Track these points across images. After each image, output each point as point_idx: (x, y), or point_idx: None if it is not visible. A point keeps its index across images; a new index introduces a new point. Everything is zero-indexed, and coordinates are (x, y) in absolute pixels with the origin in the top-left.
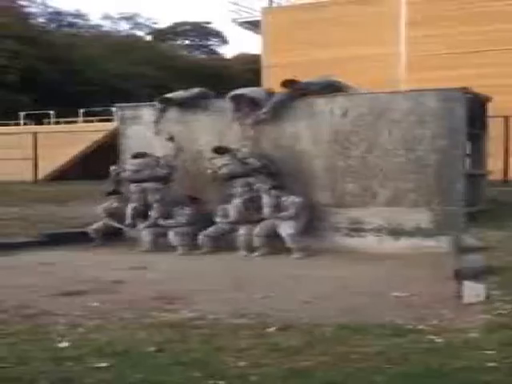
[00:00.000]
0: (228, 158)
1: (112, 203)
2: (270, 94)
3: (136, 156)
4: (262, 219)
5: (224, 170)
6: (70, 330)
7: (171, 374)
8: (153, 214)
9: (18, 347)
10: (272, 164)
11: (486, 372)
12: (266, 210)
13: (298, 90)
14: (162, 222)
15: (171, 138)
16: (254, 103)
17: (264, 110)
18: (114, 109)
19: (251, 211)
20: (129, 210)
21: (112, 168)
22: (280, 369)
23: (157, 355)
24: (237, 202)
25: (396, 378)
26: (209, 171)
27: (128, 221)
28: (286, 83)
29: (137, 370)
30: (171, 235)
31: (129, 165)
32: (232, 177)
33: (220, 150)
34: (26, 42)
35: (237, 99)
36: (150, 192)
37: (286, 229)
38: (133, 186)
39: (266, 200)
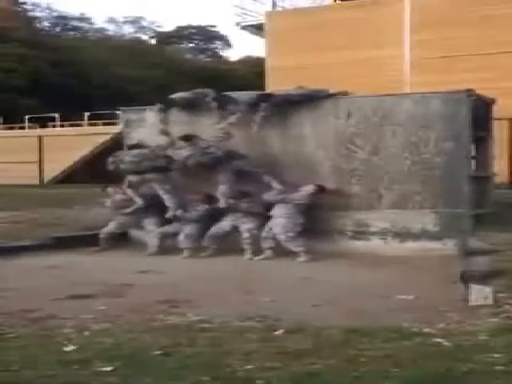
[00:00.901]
0: (189, 148)
1: (115, 196)
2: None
3: (132, 147)
4: (262, 212)
5: (191, 161)
6: (76, 333)
7: (178, 377)
8: (168, 204)
9: (24, 351)
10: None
11: (494, 375)
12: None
13: (275, 103)
14: (180, 213)
15: (186, 137)
16: (237, 104)
17: (256, 119)
18: (118, 112)
19: (244, 200)
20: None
21: (110, 159)
22: (287, 372)
23: (163, 359)
24: (222, 188)
25: (404, 381)
26: (176, 164)
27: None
28: (263, 97)
29: (143, 374)
30: (181, 237)
31: (128, 156)
32: (201, 166)
33: (187, 138)
34: (32, 45)
35: (222, 99)
36: (156, 183)
37: (280, 234)
38: (134, 178)
39: (274, 184)
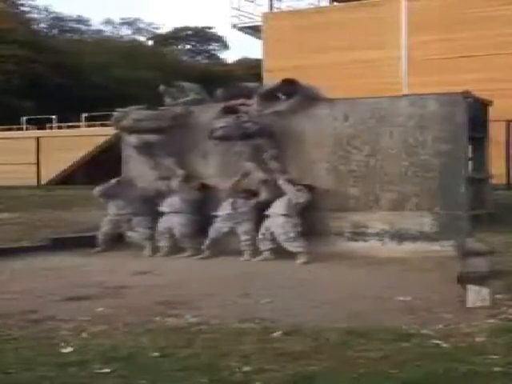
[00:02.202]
0: (227, 120)
1: (108, 183)
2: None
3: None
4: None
5: (219, 132)
6: (74, 335)
7: (176, 379)
8: (172, 167)
9: (22, 352)
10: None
11: (492, 377)
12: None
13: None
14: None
15: (227, 110)
16: (247, 92)
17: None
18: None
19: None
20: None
21: (115, 115)
22: (285, 374)
23: (161, 360)
24: (250, 165)
25: (402, 383)
26: (208, 131)
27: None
28: (286, 82)
29: (141, 376)
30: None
31: (132, 113)
32: (226, 138)
33: (228, 110)
34: (29, 47)
35: (229, 90)
36: (156, 145)
37: (280, 234)
38: (134, 139)
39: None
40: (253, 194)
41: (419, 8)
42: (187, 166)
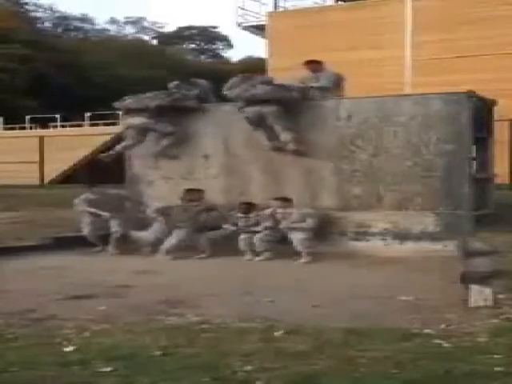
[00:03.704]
0: (265, 86)
1: (88, 196)
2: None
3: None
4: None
5: (254, 91)
6: (76, 333)
7: (178, 378)
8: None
9: (24, 351)
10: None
11: (493, 377)
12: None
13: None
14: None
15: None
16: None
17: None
18: (119, 112)
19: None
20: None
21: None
22: (287, 373)
23: (163, 359)
24: (286, 134)
25: (404, 382)
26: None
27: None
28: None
29: (143, 375)
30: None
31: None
32: (262, 101)
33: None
34: (34, 46)
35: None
36: (157, 127)
37: (297, 234)
38: (137, 121)
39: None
40: (252, 206)
41: (422, 8)
42: (188, 166)
